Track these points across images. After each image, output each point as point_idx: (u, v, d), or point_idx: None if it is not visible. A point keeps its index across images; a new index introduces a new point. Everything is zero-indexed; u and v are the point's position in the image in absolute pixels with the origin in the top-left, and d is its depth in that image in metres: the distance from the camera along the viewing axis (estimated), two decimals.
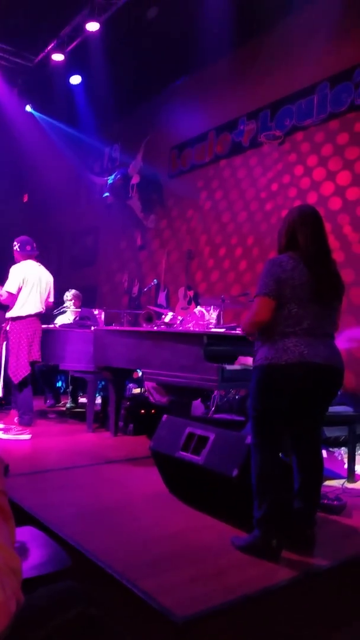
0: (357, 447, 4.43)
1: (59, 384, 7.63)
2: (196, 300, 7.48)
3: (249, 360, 4.19)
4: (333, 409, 4.05)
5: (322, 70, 6.28)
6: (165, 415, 3.63)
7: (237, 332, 4.39)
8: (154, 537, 2.79)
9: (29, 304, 5.27)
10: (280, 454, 2.70)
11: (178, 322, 4.99)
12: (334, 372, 2.70)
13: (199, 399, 5.78)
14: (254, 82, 7.19)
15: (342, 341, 5.46)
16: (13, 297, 5.25)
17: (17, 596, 0.80)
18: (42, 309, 5.39)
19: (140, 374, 6.23)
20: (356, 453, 4.24)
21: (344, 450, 4.66)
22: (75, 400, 6.99)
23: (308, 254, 2.70)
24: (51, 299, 5.56)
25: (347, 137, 6.01)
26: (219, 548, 2.66)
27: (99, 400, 6.38)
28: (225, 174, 7.63)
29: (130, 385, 6.80)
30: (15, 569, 0.82)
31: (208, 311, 4.86)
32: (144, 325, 5.36)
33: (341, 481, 3.97)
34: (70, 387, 7.00)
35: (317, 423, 2.90)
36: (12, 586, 0.80)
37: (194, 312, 4.90)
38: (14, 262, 5.36)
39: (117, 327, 5.78)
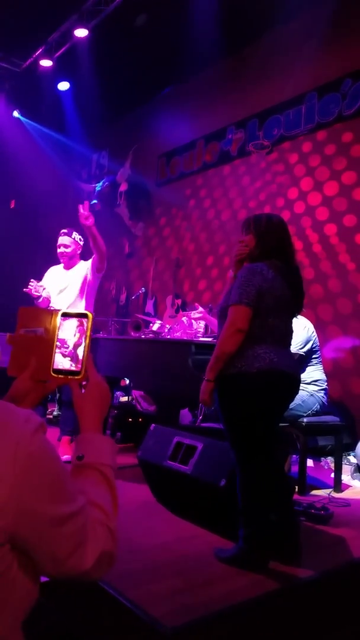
0: (344, 457, 4.45)
1: None
2: (184, 308, 7.48)
3: None
4: (320, 418, 4.07)
5: (310, 80, 6.32)
6: (153, 425, 3.63)
7: None
8: (142, 546, 2.79)
9: None
10: (268, 462, 2.66)
11: (166, 330, 4.99)
12: (297, 381, 2.73)
13: (187, 408, 5.78)
14: (242, 91, 7.23)
15: (329, 351, 5.50)
16: None
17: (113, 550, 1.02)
18: None
19: (127, 382, 6.22)
20: (343, 462, 4.26)
21: (330, 460, 4.69)
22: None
23: (289, 268, 2.73)
24: None
25: (334, 147, 6.05)
26: (206, 558, 2.66)
27: None
28: (213, 183, 7.65)
29: (118, 393, 6.78)
30: (112, 529, 1.03)
31: (196, 320, 4.88)
32: (132, 333, 5.35)
33: (328, 491, 3.99)
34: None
35: (276, 431, 2.88)
36: (108, 541, 1.00)
37: (182, 321, 4.91)
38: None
39: (105, 336, 5.77)
